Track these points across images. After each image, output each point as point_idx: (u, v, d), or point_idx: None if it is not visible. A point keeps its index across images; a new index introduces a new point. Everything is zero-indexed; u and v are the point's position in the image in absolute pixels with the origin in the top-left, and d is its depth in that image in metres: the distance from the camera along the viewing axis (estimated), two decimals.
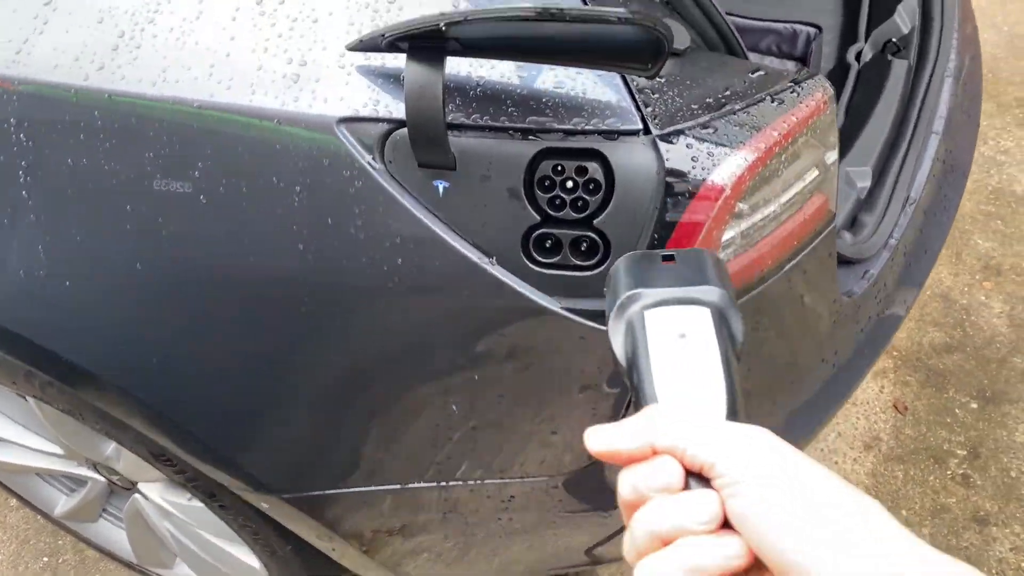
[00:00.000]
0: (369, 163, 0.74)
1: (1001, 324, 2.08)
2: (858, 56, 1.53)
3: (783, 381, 1.00)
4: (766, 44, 1.64)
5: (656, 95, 0.74)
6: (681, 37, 0.79)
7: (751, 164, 0.71)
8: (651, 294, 0.46)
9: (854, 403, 1.97)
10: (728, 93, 0.76)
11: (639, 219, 0.73)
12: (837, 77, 1.53)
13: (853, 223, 1.14)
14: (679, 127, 0.72)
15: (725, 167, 0.71)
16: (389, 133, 0.73)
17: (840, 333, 1.06)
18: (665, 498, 0.39)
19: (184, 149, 0.77)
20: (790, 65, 1.65)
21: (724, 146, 0.71)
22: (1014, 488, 1.77)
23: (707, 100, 0.75)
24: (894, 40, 1.48)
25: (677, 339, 0.43)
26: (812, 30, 1.60)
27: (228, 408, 0.90)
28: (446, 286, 0.78)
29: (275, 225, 0.78)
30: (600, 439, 0.42)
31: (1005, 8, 3.16)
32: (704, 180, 0.71)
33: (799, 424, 1.05)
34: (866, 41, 1.54)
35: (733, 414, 0.42)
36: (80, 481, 1.52)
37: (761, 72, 0.78)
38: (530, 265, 0.77)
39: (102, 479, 1.45)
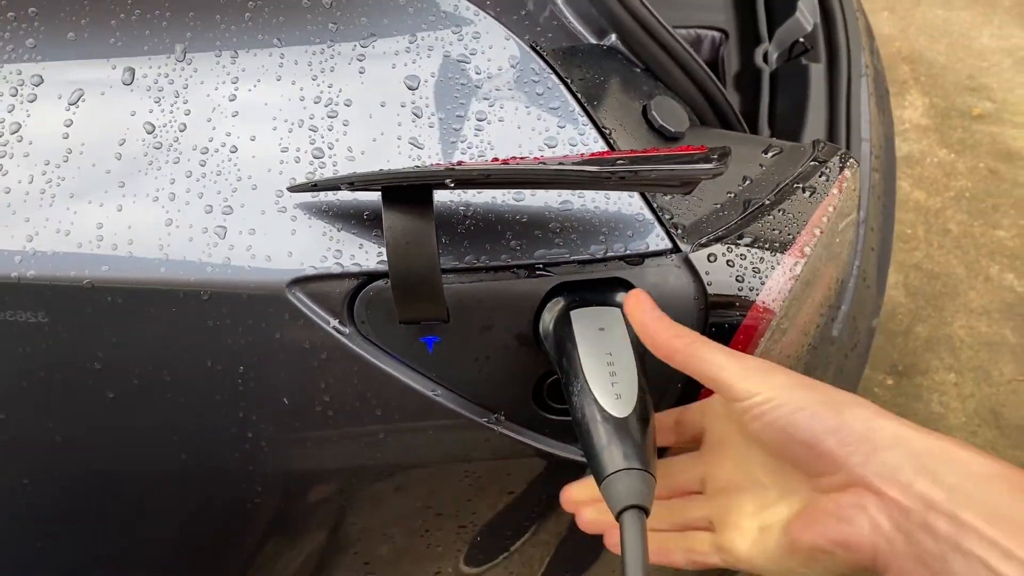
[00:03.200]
0: (335, 327, 0.57)
1: (899, 294, 2.14)
2: (765, 58, 1.47)
3: None
4: None
5: (670, 199, 0.62)
6: (679, 117, 0.67)
7: (800, 274, 0.61)
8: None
9: None
10: (749, 183, 0.64)
11: None
12: (748, 82, 1.47)
13: None
14: (711, 238, 0.60)
15: (773, 283, 0.60)
16: (359, 289, 0.57)
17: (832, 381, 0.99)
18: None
19: (76, 339, 0.57)
20: None
21: (767, 258, 0.60)
22: None
23: (729, 196, 0.63)
24: (800, 40, 1.42)
25: (597, 331, 0.55)
26: (718, 35, 1.52)
27: None
28: (445, 454, 0.63)
29: (214, 415, 0.60)
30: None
31: None
32: (753, 303, 0.59)
33: None
34: (770, 42, 1.48)
35: (644, 379, 0.53)
36: None
37: (776, 151, 0.67)
38: (544, 414, 0.63)
39: None
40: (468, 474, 0.65)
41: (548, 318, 0.57)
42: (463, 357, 0.59)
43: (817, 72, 1.31)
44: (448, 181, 0.46)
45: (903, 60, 2.85)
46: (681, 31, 1.53)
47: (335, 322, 0.57)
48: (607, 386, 0.51)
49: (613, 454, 0.48)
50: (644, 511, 0.46)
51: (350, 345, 0.58)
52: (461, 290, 0.57)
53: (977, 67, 2.83)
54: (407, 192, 0.51)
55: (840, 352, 1.04)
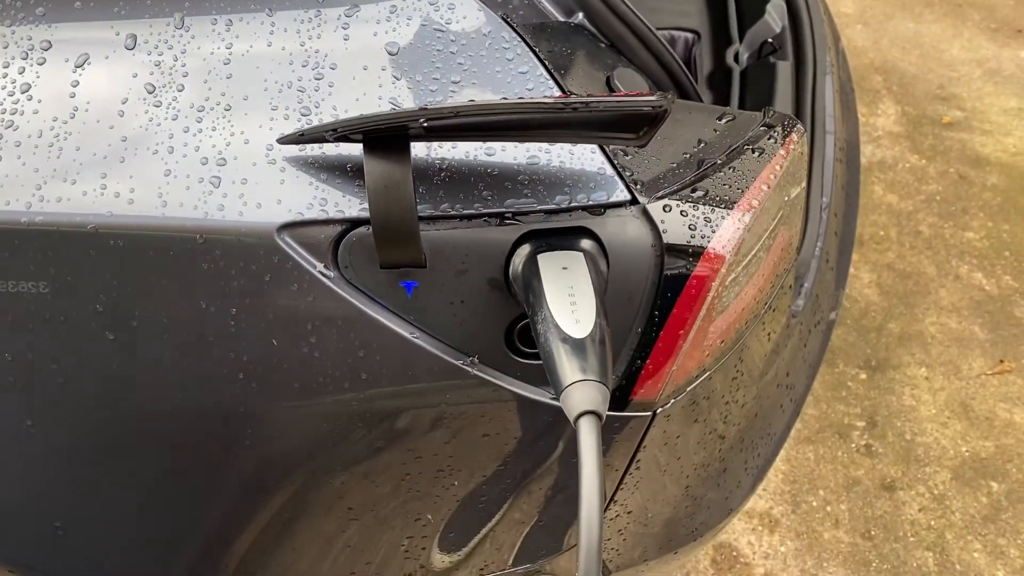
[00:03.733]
0: (321, 272, 0.62)
1: (872, 293, 2.20)
2: (736, 58, 1.53)
3: (751, 418, 0.97)
4: None
5: (630, 157, 0.67)
6: (641, 87, 0.72)
7: (749, 224, 0.66)
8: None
9: None
10: (703, 145, 0.70)
11: (635, 297, 0.66)
12: (720, 81, 1.53)
13: None
14: (667, 191, 0.65)
15: (723, 232, 0.65)
16: (343, 235, 0.62)
17: (792, 357, 1.04)
18: None
19: (80, 281, 0.62)
20: None
21: (718, 209, 0.65)
22: (911, 450, 1.87)
23: (684, 156, 0.69)
24: (769, 40, 1.49)
25: (560, 270, 0.60)
26: (691, 36, 1.59)
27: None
28: (423, 394, 0.68)
29: (208, 355, 0.65)
30: None
31: None
32: (704, 249, 0.65)
33: (768, 458, 1.02)
34: (740, 43, 1.54)
35: (603, 308, 0.58)
36: None
37: (729, 117, 0.73)
38: (516, 358, 0.68)
39: None
40: (445, 416, 0.70)
41: (517, 262, 0.63)
42: (439, 301, 0.64)
43: (784, 70, 1.38)
44: (421, 121, 0.51)
45: (876, 71, 2.94)
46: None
47: (321, 266, 0.62)
48: (568, 313, 0.56)
49: (572, 367, 0.53)
50: (598, 417, 0.51)
51: (335, 288, 0.63)
52: (437, 237, 0.62)
53: (947, 77, 2.92)
54: (386, 141, 0.56)
55: (804, 327, 1.09)
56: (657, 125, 0.56)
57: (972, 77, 2.92)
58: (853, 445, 1.89)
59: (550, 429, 0.72)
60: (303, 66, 0.64)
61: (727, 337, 0.76)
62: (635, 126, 0.57)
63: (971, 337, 2.10)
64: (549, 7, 0.77)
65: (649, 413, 0.73)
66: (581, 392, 0.52)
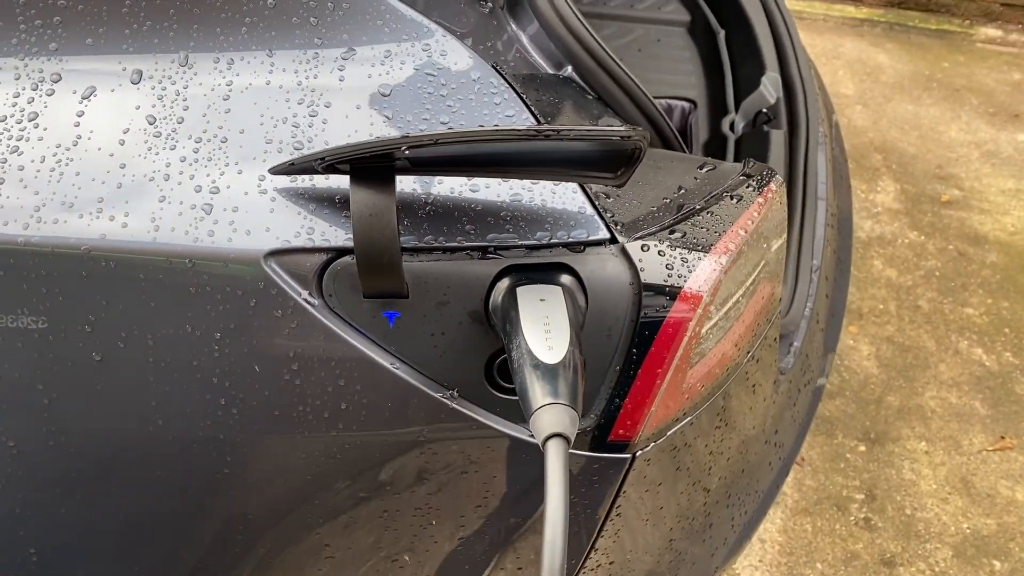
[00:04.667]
0: (305, 299, 0.64)
1: (871, 366, 2.19)
2: (731, 127, 1.58)
3: (737, 472, 0.96)
4: None
5: (612, 200, 0.69)
6: None
7: (725, 267, 0.67)
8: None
9: None
10: (683, 192, 0.72)
11: (614, 333, 0.67)
12: (715, 148, 1.57)
13: None
14: (646, 232, 0.67)
15: (700, 272, 0.66)
16: (328, 263, 0.64)
17: (781, 414, 1.04)
18: None
19: (71, 301, 0.64)
20: None
21: (695, 251, 0.67)
22: (911, 525, 1.84)
23: (664, 201, 0.71)
24: (764, 111, 1.54)
25: (538, 301, 0.62)
26: (687, 105, 1.64)
27: None
28: (403, 426, 0.68)
29: (190, 380, 0.66)
30: None
31: (820, 71, 3.45)
32: (681, 288, 0.66)
33: (755, 516, 1.01)
34: (736, 113, 1.59)
35: (578, 340, 0.60)
36: None
37: (710, 167, 0.76)
38: (496, 393, 0.69)
39: None
40: (423, 451, 0.70)
41: (497, 295, 0.64)
42: (421, 332, 0.66)
43: (777, 138, 1.42)
44: (404, 148, 0.53)
45: (875, 149, 3.00)
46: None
47: (305, 294, 0.64)
48: (541, 340, 0.57)
49: (542, 391, 0.54)
50: (567, 440, 0.52)
51: (318, 316, 0.64)
52: (420, 268, 0.64)
53: (946, 158, 2.97)
54: (371, 172, 0.58)
55: (793, 385, 1.09)
56: (634, 164, 0.59)
57: (970, 158, 2.98)
58: (852, 518, 1.85)
59: (529, 466, 0.72)
60: (299, 103, 0.67)
61: (708, 383, 0.76)
62: (612, 165, 0.59)
63: (972, 412, 2.08)
64: (539, 60, 0.81)
65: (628, 455, 0.73)
66: (550, 415, 0.53)
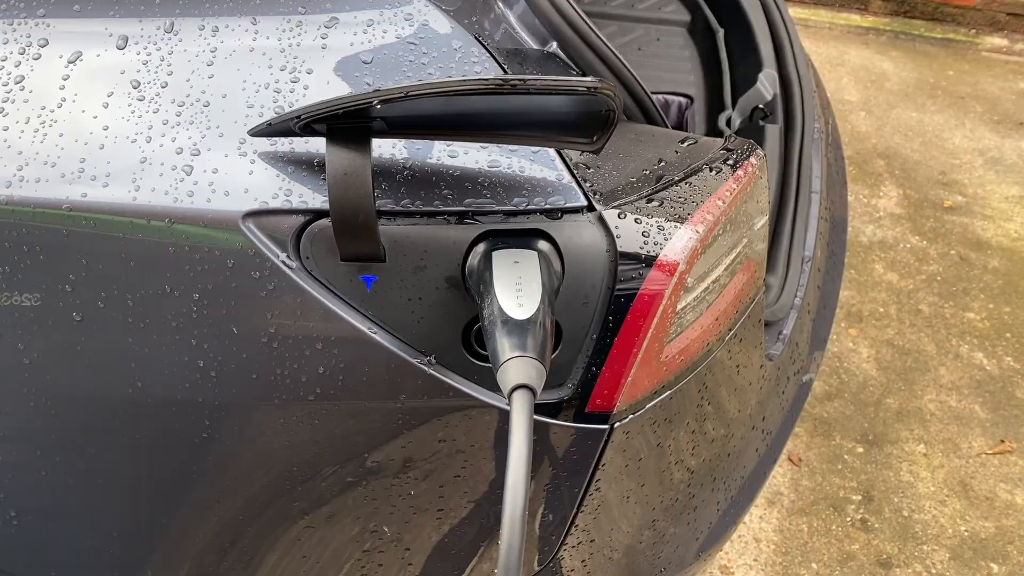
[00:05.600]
0: (283, 261, 0.64)
1: (870, 368, 2.18)
2: (728, 122, 1.58)
3: (722, 455, 0.96)
4: None
5: (592, 170, 0.69)
6: None
7: (702, 236, 0.68)
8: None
9: None
10: (663, 164, 0.72)
11: (591, 301, 0.67)
12: None
13: None
14: (624, 201, 0.67)
15: (677, 241, 0.67)
16: (305, 226, 0.64)
17: (767, 400, 1.04)
18: None
19: (51, 260, 0.64)
20: None
21: (673, 220, 0.67)
22: (908, 527, 1.82)
23: (644, 172, 0.71)
24: (760, 107, 1.54)
25: (512, 263, 0.62)
26: (684, 100, 1.65)
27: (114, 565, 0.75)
28: (378, 393, 0.69)
29: (168, 341, 0.66)
30: None
31: (825, 78, 3.46)
32: (657, 256, 0.66)
33: (740, 501, 1.01)
34: (733, 109, 1.59)
35: (550, 302, 0.61)
36: None
37: (692, 141, 0.76)
38: (472, 360, 0.69)
39: None
40: (400, 417, 0.70)
41: (473, 259, 0.64)
42: (398, 297, 0.66)
43: (773, 132, 1.42)
44: (375, 102, 0.53)
45: (879, 155, 2.99)
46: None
47: (283, 256, 0.64)
48: (512, 298, 0.58)
49: (510, 345, 0.54)
50: (532, 392, 0.52)
51: (295, 278, 0.65)
52: (397, 232, 0.64)
53: (949, 164, 2.96)
54: (347, 132, 0.59)
55: (782, 373, 1.09)
56: (609, 128, 0.59)
57: (974, 165, 2.97)
58: (848, 519, 1.84)
59: (505, 434, 0.72)
60: (281, 69, 0.68)
61: (688, 357, 0.76)
62: (587, 128, 0.59)
63: (971, 416, 2.07)
64: (524, 36, 0.81)
65: (606, 426, 0.73)
66: (516, 367, 0.53)
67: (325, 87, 0.67)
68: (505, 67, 0.70)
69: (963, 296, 2.42)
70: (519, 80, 0.50)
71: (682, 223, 0.68)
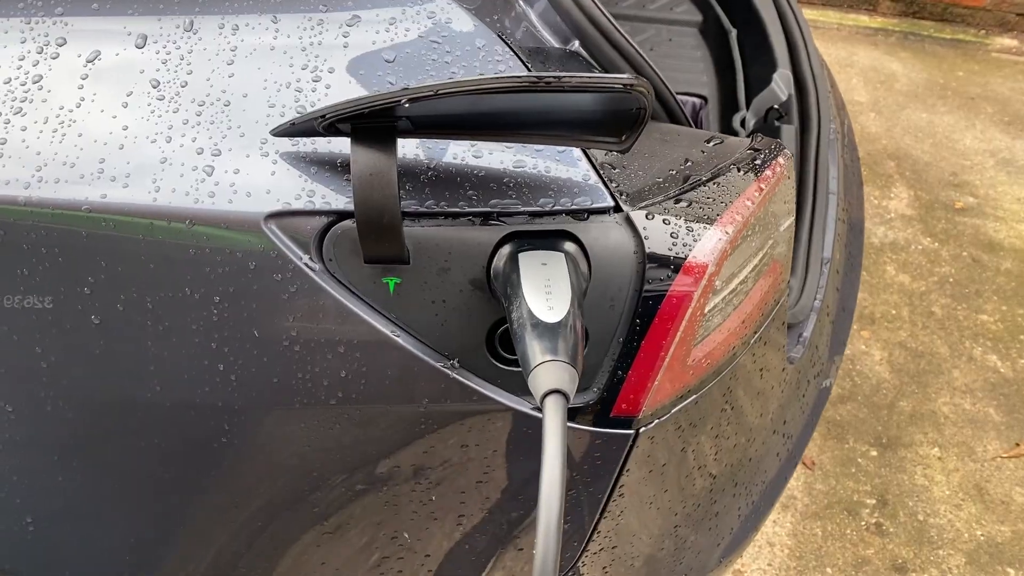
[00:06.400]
0: (306, 263, 0.63)
1: (883, 370, 2.17)
2: (743, 123, 1.57)
3: (743, 460, 0.95)
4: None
5: (617, 170, 0.68)
6: None
7: (731, 238, 0.66)
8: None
9: None
10: (690, 164, 0.71)
11: (618, 304, 0.66)
12: None
13: None
14: (651, 202, 0.66)
15: (706, 242, 0.65)
16: (328, 227, 0.63)
17: (788, 404, 1.02)
18: None
19: (71, 262, 0.63)
20: None
21: (701, 221, 0.66)
22: (924, 531, 1.81)
23: (671, 172, 0.70)
24: (775, 107, 1.53)
25: (540, 265, 0.61)
26: (699, 100, 1.63)
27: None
28: (400, 397, 0.68)
29: (188, 344, 0.65)
30: None
31: (834, 79, 3.44)
32: (686, 258, 0.65)
33: (761, 507, 0.99)
34: (747, 109, 1.58)
35: (579, 304, 0.60)
36: None
37: (718, 140, 0.75)
38: (497, 364, 0.68)
39: None
40: (423, 421, 0.69)
41: (499, 261, 0.63)
42: (421, 299, 0.65)
43: (788, 133, 1.41)
44: (404, 101, 0.52)
45: (889, 156, 2.97)
46: None
47: (306, 258, 0.63)
48: (542, 300, 0.57)
49: (541, 349, 0.53)
50: (565, 396, 0.51)
51: (318, 281, 0.63)
52: (421, 234, 0.63)
53: (960, 165, 2.95)
54: (372, 132, 0.58)
55: (803, 376, 1.08)
56: (638, 127, 0.58)
57: (985, 166, 2.95)
58: (863, 523, 1.82)
59: (532, 441, 0.71)
60: (303, 68, 0.66)
61: (714, 360, 0.75)
62: (616, 127, 0.58)
63: (986, 419, 2.05)
64: (545, 34, 0.80)
65: (631, 431, 0.72)
66: (548, 372, 0.52)
67: (347, 86, 0.66)
68: (528, 65, 0.69)
69: (976, 298, 2.40)
70: (554, 78, 0.49)
71: (711, 224, 0.66)
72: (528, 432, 0.71)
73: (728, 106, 1.63)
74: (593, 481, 0.75)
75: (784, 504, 1.86)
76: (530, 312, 0.56)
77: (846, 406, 2.07)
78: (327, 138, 0.63)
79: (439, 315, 0.65)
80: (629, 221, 0.65)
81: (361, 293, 0.64)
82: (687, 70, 1.82)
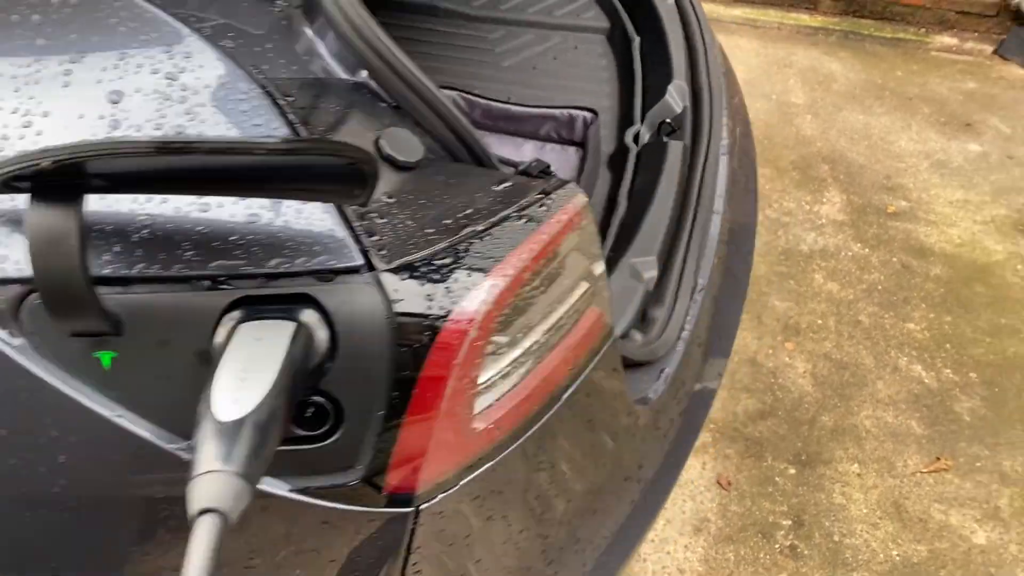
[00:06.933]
0: (3, 339, 0.55)
1: (806, 383, 2.12)
2: (636, 138, 1.50)
3: (586, 514, 0.87)
4: (545, 131, 1.59)
5: (383, 220, 0.61)
6: (412, 148, 0.67)
7: (500, 294, 0.59)
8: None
9: (679, 484, 1.91)
10: (470, 212, 0.64)
11: (374, 375, 0.58)
12: (618, 161, 1.50)
13: (643, 319, 1.05)
14: (413, 257, 0.58)
15: (468, 301, 0.58)
16: (24, 297, 0.55)
17: (643, 445, 0.96)
18: None
19: None
20: (571, 151, 1.60)
21: (468, 277, 0.59)
22: (839, 553, 1.75)
23: (445, 222, 0.62)
24: (668, 120, 1.46)
25: (253, 341, 0.53)
26: (588, 115, 1.56)
27: None
28: (132, 483, 0.60)
29: None
30: None
31: (771, 80, 3.40)
32: (445, 319, 0.57)
33: (616, 552, 0.92)
34: (642, 123, 1.52)
35: (284, 392, 0.51)
36: None
37: (507, 183, 0.67)
38: None
39: None
40: (160, 512, 0.61)
41: (222, 332, 0.55)
42: (144, 375, 0.57)
43: (675, 149, 1.34)
44: (78, 158, 0.44)
45: (823, 160, 2.93)
46: (555, 111, 1.57)
47: (3, 332, 0.55)
48: (228, 391, 0.49)
49: (207, 455, 0.45)
50: (224, 517, 0.43)
51: (17, 358, 0.55)
52: (135, 301, 0.55)
53: (895, 168, 2.91)
54: (52, 191, 0.49)
55: (664, 415, 1.01)
56: (370, 185, 0.50)
57: (919, 169, 2.92)
58: (777, 546, 1.77)
59: (291, 524, 0.63)
60: (12, 113, 0.58)
61: (509, 423, 0.68)
62: (346, 187, 0.51)
63: (907, 432, 2.01)
64: (332, 64, 0.72)
65: (411, 509, 0.64)
66: (207, 485, 0.44)
67: (62, 132, 0.58)
68: (281, 102, 0.61)
69: (904, 306, 2.36)
70: (240, 143, 0.41)
71: (482, 279, 0.59)
72: (288, 520, 0.63)
73: (625, 120, 1.57)
74: (379, 564, 0.67)
75: (697, 528, 1.80)
76: (208, 405, 0.48)
77: (766, 422, 2.02)
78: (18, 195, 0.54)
79: (166, 393, 0.57)
80: (379, 281, 0.57)
81: (71, 371, 0.56)
82: (590, 79, 1.75)
